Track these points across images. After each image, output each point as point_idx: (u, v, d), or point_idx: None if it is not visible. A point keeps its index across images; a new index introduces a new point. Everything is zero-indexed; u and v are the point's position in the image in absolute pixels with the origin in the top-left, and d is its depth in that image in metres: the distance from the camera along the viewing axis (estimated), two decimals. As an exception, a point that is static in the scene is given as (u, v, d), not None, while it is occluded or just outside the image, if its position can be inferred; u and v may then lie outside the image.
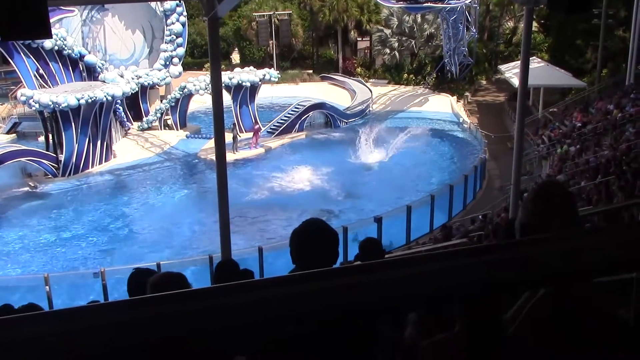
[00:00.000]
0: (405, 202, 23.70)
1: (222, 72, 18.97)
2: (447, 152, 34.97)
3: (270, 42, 48.88)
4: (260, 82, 36.61)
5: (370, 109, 42.56)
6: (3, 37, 7.41)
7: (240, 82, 35.51)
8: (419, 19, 47.94)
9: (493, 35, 51.54)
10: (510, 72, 39.06)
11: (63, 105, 28.76)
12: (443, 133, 38.27)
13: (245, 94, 36.07)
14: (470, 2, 42.50)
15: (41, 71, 32.82)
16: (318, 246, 2.69)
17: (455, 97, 44.12)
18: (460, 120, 39.54)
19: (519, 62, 22.08)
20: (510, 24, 53.20)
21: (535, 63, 35.82)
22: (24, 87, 31.98)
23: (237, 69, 38.24)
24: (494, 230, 16.36)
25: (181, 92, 36.57)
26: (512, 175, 16.89)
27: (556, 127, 31.33)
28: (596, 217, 12.47)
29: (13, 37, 7.35)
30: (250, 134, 34.69)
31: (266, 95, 41.81)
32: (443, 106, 42.64)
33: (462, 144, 35.65)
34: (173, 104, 37.18)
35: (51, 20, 7.41)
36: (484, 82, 49.14)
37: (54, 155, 30.37)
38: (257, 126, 34.97)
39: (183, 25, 38.81)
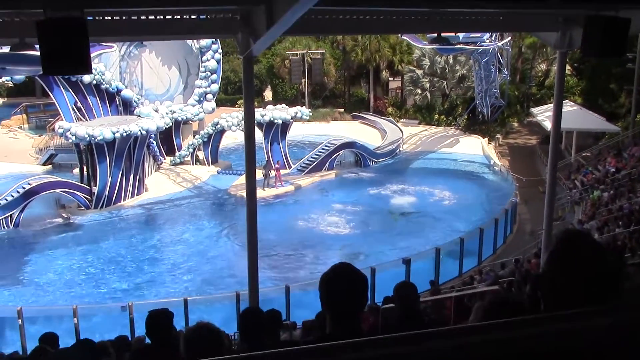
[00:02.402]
0: (432, 245, 23.49)
1: (255, 109, 19.18)
2: (477, 196, 34.21)
3: (303, 80, 49.56)
4: (291, 120, 36.93)
5: (401, 149, 42.54)
6: (46, 71, 7.66)
7: (272, 119, 35.86)
8: (451, 60, 48.20)
9: (525, 77, 51.49)
10: (543, 115, 38.77)
11: (99, 138, 29.31)
12: (473, 175, 38.00)
13: (277, 131, 36.37)
14: (502, 44, 42.61)
15: (79, 104, 33.50)
16: (347, 291, 2.70)
17: (486, 139, 43.90)
18: (491, 163, 39.25)
19: (551, 105, 21.95)
20: (543, 66, 53.16)
21: (568, 106, 35.53)
22: (62, 119, 32.73)
23: (270, 106, 38.69)
24: (524, 277, 16.09)
25: (214, 128, 37.06)
26: (544, 220, 16.56)
27: (589, 171, 30.87)
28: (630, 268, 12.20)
29: (55, 72, 7.59)
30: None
31: (297, 133, 42.18)
32: (474, 148, 42.44)
33: (492, 186, 35.27)
34: (205, 139, 37.65)
35: (91, 56, 7.62)
36: (516, 124, 48.84)
37: (88, 187, 30.83)
38: (277, 165, 34.95)
39: (218, 62, 39.56)
